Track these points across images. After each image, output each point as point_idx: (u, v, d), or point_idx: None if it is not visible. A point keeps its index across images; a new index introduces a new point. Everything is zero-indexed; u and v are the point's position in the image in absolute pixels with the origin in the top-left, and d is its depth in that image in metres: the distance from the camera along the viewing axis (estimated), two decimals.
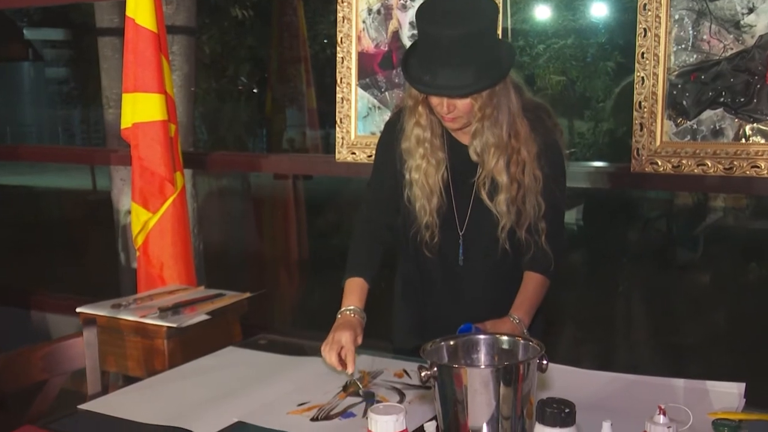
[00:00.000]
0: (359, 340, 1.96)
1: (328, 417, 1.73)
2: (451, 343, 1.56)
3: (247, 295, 2.81)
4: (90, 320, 2.19)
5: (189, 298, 2.78)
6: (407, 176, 2.06)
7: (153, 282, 3.22)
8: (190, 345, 2.53)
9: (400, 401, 1.80)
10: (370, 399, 1.84)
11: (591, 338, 4.48)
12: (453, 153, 2.06)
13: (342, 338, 1.92)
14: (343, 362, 1.90)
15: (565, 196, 2.08)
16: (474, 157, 2.01)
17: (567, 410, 1.31)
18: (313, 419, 1.72)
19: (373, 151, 2.27)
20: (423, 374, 1.44)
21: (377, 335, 2.06)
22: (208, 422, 1.71)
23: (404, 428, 1.33)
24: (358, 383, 1.90)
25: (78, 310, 2.70)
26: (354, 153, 3.22)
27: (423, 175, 2.04)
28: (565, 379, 1.83)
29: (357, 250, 2.15)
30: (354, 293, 2.06)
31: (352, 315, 2.02)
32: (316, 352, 2.15)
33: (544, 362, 1.46)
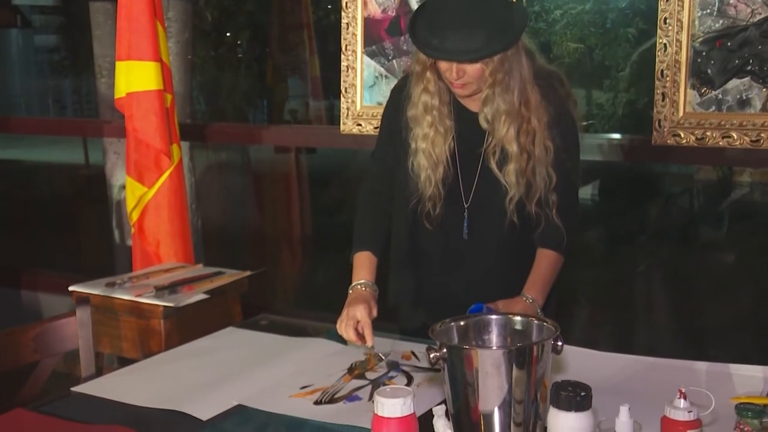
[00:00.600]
0: (374, 313, 1.99)
1: (332, 400, 1.74)
2: (462, 323, 1.56)
3: (248, 273, 2.82)
4: (83, 299, 2.20)
5: (186, 276, 2.79)
6: (413, 145, 2.06)
7: (149, 260, 3.23)
8: (188, 325, 2.55)
9: (408, 384, 1.80)
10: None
11: (608, 319, 4.49)
12: (461, 121, 2.06)
13: (357, 313, 1.95)
14: (361, 336, 1.93)
15: (578, 169, 2.08)
16: (484, 125, 2.00)
17: (583, 394, 1.32)
18: (316, 402, 1.73)
19: (380, 122, 2.27)
20: (432, 356, 1.45)
21: (380, 315, 2.09)
22: (206, 406, 1.72)
23: (412, 412, 1.33)
24: (364, 365, 1.91)
25: (71, 288, 2.72)
26: (360, 124, 3.21)
27: (430, 144, 2.04)
28: (580, 362, 1.84)
29: (362, 223, 2.17)
30: (363, 267, 2.09)
31: (364, 289, 2.04)
32: (320, 333, 2.16)
33: (559, 344, 1.45)
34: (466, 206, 2.08)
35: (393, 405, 1.32)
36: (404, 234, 2.18)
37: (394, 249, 2.23)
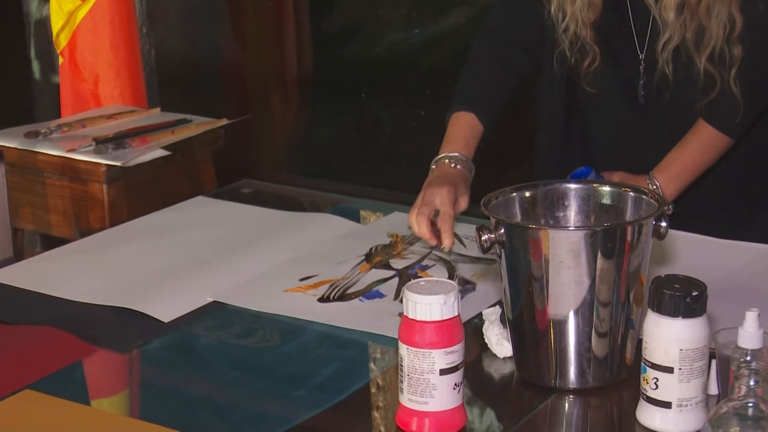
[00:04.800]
0: (463, 203, 1.92)
1: (343, 297, 1.77)
2: (527, 193, 1.57)
3: (224, 121, 2.81)
4: None
5: (138, 125, 2.79)
6: None
7: (84, 102, 3.23)
8: (142, 193, 2.56)
9: (450, 278, 1.82)
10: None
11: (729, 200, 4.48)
12: None
13: (436, 198, 1.89)
14: (436, 234, 1.87)
15: None
16: None
17: (694, 294, 1.32)
18: (322, 299, 1.76)
19: None
20: (484, 238, 1.45)
21: None
22: (168, 303, 1.75)
23: (456, 314, 1.35)
24: (388, 251, 1.94)
25: None
26: None
27: None
28: (692, 251, 1.85)
29: (473, 73, 2.14)
30: (459, 135, 2.03)
31: (453, 165, 1.98)
32: (323, 207, 2.18)
33: (663, 224, 1.46)
34: (641, 57, 2.06)
35: (430, 305, 1.33)
36: (549, 101, 2.19)
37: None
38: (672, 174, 2.00)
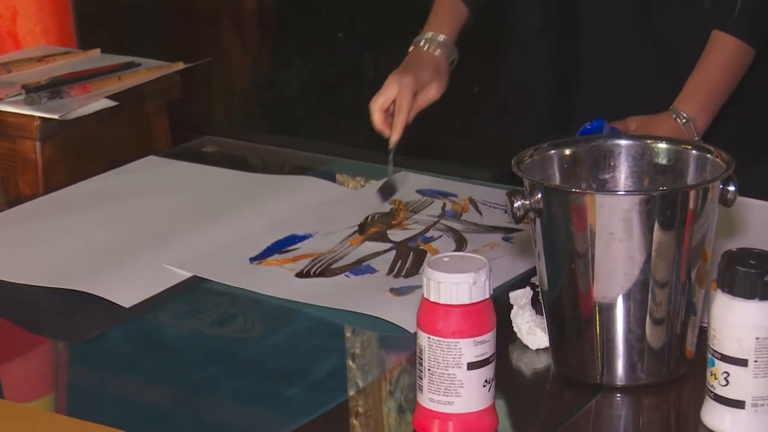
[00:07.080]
0: (434, 92, 2.01)
1: (326, 272, 1.76)
2: (567, 151, 1.56)
3: (180, 66, 2.79)
4: None
5: (76, 69, 2.77)
6: None
7: (0, 42, 3.21)
8: (83, 152, 2.56)
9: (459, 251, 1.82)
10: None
11: None
12: None
13: (395, 87, 1.97)
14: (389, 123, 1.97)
15: None
16: None
17: None
18: (300, 274, 1.76)
19: None
20: (517, 205, 1.44)
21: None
22: (128, 284, 1.74)
23: (487, 297, 1.33)
24: (387, 220, 1.95)
25: None
26: None
27: None
28: (764, 221, 1.85)
29: None
30: (441, 16, 2.11)
31: (428, 47, 2.06)
32: (302, 168, 2.19)
33: (731, 189, 1.46)
34: None
35: (457, 284, 1.31)
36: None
37: None
38: (702, 102, 2.00)
